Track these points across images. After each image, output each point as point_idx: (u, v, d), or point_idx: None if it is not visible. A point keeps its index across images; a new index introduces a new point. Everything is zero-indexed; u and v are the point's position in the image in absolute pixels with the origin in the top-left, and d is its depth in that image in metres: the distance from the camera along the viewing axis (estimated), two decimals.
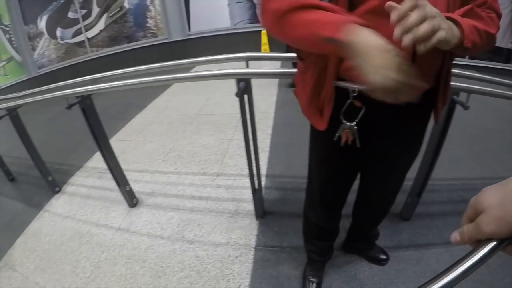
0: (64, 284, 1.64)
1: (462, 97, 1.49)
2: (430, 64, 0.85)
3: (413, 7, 0.59)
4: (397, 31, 0.60)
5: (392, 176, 1.19)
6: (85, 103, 1.78)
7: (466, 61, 5.56)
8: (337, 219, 1.37)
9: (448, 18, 0.69)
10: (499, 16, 0.85)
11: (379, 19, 0.69)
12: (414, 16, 0.59)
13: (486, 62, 5.69)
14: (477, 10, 0.79)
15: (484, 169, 2.49)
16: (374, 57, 0.62)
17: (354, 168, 1.16)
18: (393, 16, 0.60)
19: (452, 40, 0.66)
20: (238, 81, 1.27)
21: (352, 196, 1.36)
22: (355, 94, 0.86)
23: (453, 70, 1.47)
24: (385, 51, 0.62)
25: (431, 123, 1.08)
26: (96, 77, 2.02)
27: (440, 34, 0.62)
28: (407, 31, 0.59)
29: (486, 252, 0.39)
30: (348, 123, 0.91)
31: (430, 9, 0.61)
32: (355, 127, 0.91)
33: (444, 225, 1.87)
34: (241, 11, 6.06)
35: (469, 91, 1.51)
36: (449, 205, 2.05)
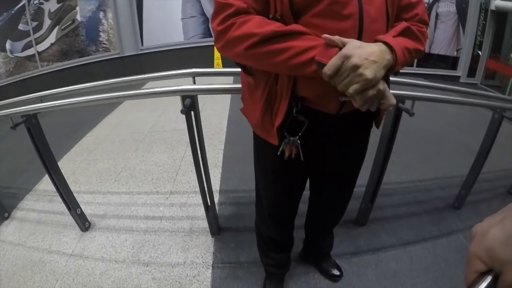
0: None
1: (408, 104, 1.55)
2: None
3: (338, 68, 0.69)
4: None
5: (340, 185, 1.21)
6: (31, 122, 1.67)
7: (414, 69, 5.91)
8: (289, 230, 1.37)
9: (384, 42, 0.74)
10: (427, 26, 0.91)
11: (324, 21, 0.75)
12: (335, 80, 0.71)
13: (433, 69, 6.07)
14: (413, 28, 0.83)
15: (436, 171, 2.62)
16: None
17: (301, 180, 1.16)
18: (325, 77, 0.71)
19: (377, 76, 0.71)
20: (183, 98, 1.25)
21: (305, 206, 1.38)
22: (298, 108, 0.87)
23: (397, 79, 1.55)
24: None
25: (377, 131, 1.11)
26: (43, 94, 1.91)
27: (355, 87, 0.70)
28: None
29: None
30: (291, 138, 0.91)
31: (348, 66, 0.69)
32: (298, 141, 0.92)
33: (400, 227, 1.94)
34: (194, 26, 6.07)
35: (414, 98, 1.58)
36: (403, 207, 2.13)
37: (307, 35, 0.73)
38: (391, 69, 0.77)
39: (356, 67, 0.68)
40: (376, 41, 0.75)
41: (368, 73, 0.69)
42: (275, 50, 0.73)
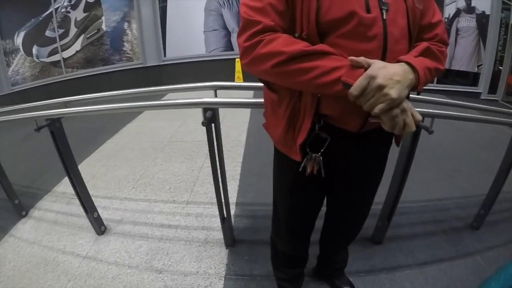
0: None
1: (427, 122, 1.54)
2: None
3: (364, 88, 0.71)
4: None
5: (358, 202, 1.20)
6: (54, 126, 1.74)
7: (434, 86, 5.82)
8: (305, 246, 1.36)
9: (407, 63, 0.75)
10: (447, 46, 0.92)
11: (350, 42, 0.77)
12: (359, 101, 0.72)
13: (454, 86, 5.97)
14: (433, 48, 0.85)
15: (454, 189, 2.56)
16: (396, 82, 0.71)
17: (320, 196, 1.16)
18: (350, 97, 0.72)
19: (401, 95, 0.72)
20: (205, 110, 1.27)
21: (321, 222, 1.37)
22: (321, 125, 0.88)
23: (416, 96, 1.54)
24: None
25: (396, 148, 1.11)
26: (67, 100, 1.98)
27: (381, 107, 0.71)
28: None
29: None
30: (314, 154, 0.92)
31: (373, 86, 0.70)
32: (320, 157, 0.93)
33: (416, 246, 1.89)
34: (216, 39, 6.20)
35: (433, 116, 1.57)
36: (420, 227, 2.08)
37: (333, 55, 0.75)
38: (414, 89, 0.78)
39: (381, 87, 0.70)
40: (398, 61, 0.77)
41: (393, 92, 0.70)
42: (302, 69, 0.75)
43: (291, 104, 0.90)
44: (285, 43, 0.75)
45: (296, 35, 0.80)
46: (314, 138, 0.90)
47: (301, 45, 0.75)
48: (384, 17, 0.77)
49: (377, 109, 0.71)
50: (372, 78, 0.70)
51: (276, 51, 0.75)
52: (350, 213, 1.24)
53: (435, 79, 5.91)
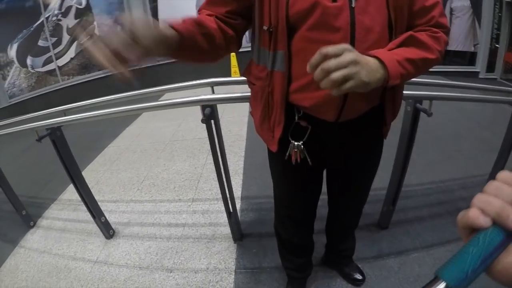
0: None
1: (426, 104, 1.53)
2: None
3: (337, 54, 0.62)
4: (316, 74, 0.63)
5: (352, 190, 1.22)
6: (55, 135, 1.75)
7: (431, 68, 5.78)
8: (308, 233, 1.37)
9: (375, 57, 0.69)
10: (447, 31, 0.83)
11: (318, 33, 0.76)
12: (330, 63, 0.61)
13: (451, 66, 5.93)
14: (419, 36, 0.77)
15: (457, 170, 2.56)
16: None
17: (314, 184, 1.17)
18: (313, 59, 0.63)
19: (371, 83, 0.67)
20: (203, 107, 1.28)
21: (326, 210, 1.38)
22: (301, 115, 0.90)
23: (414, 79, 1.53)
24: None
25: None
26: (66, 108, 1.99)
27: (350, 84, 0.63)
28: (323, 75, 0.62)
29: None
30: (296, 143, 0.94)
31: (351, 56, 0.63)
32: (302, 146, 0.94)
33: (423, 229, 1.90)
34: None
35: (431, 99, 1.56)
36: (425, 209, 2.09)
37: None
38: (386, 84, 0.71)
39: (356, 62, 0.63)
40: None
41: (364, 75, 0.64)
42: None
43: (264, 98, 0.92)
44: None
45: (265, 28, 0.81)
46: (296, 127, 0.92)
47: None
48: (353, 5, 0.73)
49: (348, 85, 0.63)
50: (348, 50, 0.63)
51: None
52: (347, 200, 1.26)
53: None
